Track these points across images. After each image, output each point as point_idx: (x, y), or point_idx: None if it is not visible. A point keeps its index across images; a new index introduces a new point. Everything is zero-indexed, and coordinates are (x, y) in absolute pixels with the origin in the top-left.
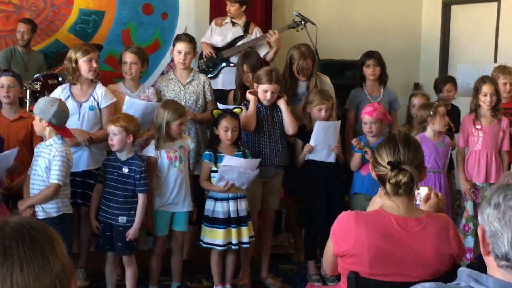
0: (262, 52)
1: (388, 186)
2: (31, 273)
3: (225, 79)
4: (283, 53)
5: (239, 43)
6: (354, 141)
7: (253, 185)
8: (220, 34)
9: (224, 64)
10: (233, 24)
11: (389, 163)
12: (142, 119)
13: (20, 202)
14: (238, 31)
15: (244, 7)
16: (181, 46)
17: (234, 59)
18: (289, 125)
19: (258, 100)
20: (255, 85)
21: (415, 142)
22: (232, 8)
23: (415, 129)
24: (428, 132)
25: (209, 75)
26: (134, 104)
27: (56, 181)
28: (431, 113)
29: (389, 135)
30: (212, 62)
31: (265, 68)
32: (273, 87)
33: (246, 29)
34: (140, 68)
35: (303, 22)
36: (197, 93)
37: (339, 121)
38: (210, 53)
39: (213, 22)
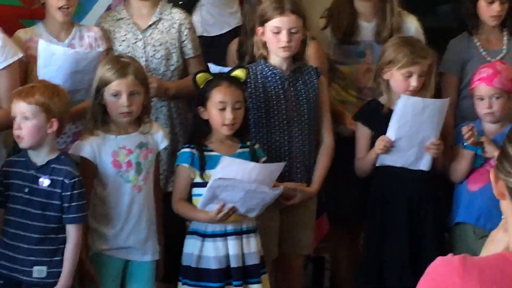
0: None
1: None
2: None
3: (206, 19)
4: None
5: None
6: (465, 129)
7: (264, 215)
8: None
9: None
10: None
11: None
12: (73, 83)
13: None
14: None
15: None
16: None
17: None
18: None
19: (265, 59)
20: (259, 29)
21: None
22: None
23: None
24: None
25: None
26: (55, 55)
27: None
28: None
29: None
30: None
31: None
32: (289, 20)
33: None
34: None
35: None
36: (168, 44)
37: (447, 99)
38: None
39: None
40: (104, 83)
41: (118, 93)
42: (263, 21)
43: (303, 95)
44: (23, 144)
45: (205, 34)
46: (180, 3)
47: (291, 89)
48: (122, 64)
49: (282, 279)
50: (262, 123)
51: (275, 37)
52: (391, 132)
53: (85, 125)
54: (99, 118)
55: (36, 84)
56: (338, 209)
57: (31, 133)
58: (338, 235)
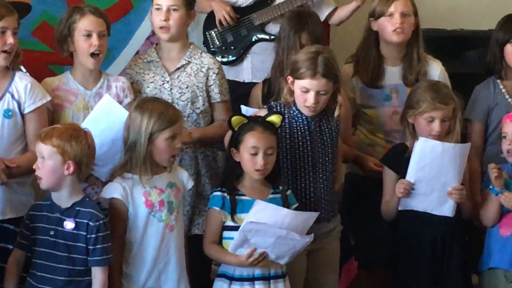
0: (322, 13)
1: None
2: None
3: (256, 65)
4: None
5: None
6: (492, 169)
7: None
8: None
9: (255, 38)
10: None
11: None
12: (105, 155)
13: None
14: None
15: None
16: None
17: (273, 29)
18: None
19: (294, 103)
20: (289, 78)
21: None
22: None
23: None
24: None
25: (228, 59)
26: (110, 114)
27: None
28: None
29: None
30: (233, 34)
31: (307, 48)
32: (319, 83)
33: None
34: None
35: None
36: (195, 88)
37: (468, 144)
38: (229, 17)
39: None
40: (158, 132)
41: (174, 136)
42: (293, 74)
43: (327, 135)
44: (42, 185)
45: (254, 80)
46: (230, 58)
47: (317, 129)
48: (169, 105)
49: None
50: (288, 167)
51: (302, 96)
52: (410, 175)
53: (115, 169)
54: (148, 163)
55: (58, 126)
56: (366, 252)
57: (48, 174)
58: (366, 278)
